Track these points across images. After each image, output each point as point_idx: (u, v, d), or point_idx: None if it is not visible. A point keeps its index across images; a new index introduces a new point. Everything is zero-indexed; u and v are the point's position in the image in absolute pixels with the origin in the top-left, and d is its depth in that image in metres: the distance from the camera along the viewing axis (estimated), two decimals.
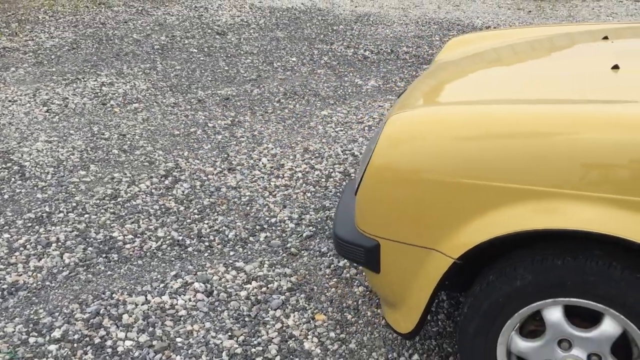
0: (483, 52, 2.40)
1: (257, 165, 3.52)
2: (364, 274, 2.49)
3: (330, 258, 2.64)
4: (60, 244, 2.72)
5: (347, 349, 2.12)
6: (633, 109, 1.49)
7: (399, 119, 1.73)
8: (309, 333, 2.19)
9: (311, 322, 2.25)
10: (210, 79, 5.17)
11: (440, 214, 1.63)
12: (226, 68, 5.47)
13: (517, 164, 1.52)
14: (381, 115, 4.30)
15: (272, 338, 2.17)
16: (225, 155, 3.63)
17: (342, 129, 4.09)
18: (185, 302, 2.34)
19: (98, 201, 3.09)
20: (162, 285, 2.44)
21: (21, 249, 2.66)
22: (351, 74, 5.35)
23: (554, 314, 1.60)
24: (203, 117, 4.26)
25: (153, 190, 3.21)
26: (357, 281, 2.49)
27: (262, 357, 2.08)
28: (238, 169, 3.47)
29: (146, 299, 2.35)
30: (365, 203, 1.77)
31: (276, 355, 2.09)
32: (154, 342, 2.12)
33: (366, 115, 4.32)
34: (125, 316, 2.26)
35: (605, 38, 2.28)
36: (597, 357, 1.60)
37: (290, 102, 4.62)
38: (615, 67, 1.87)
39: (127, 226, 2.87)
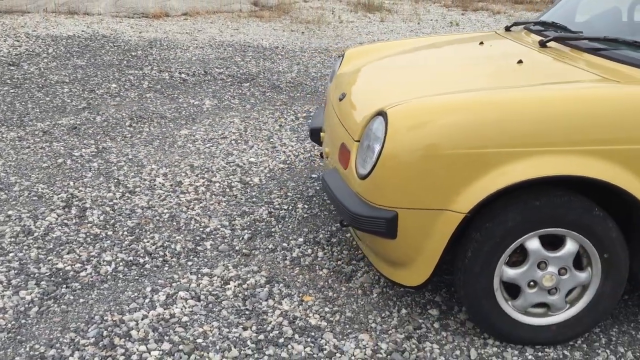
0: (409, 57, 2.93)
1: (155, 185, 3.61)
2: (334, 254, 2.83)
3: (282, 252, 2.94)
4: (6, 284, 2.59)
5: (346, 317, 2.47)
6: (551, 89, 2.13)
7: (399, 111, 2.16)
8: (308, 311, 2.49)
9: (303, 303, 2.55)
10: (38, 110, 4.95)
11: (449, 180, 2.09)
12: (47, 98, 5.26)
13: (500, 134, 2.06)
14: (239, 130, 4.61)
15: (281, 322, 2.42)
16: (116, 180, 3.65)
17: (211, 144, 4.32)
18: (182, 309, 2.46)
19: (13, 239, 2.95)
20: (147, 300, 2.51)
21: None
22: (181, 96, 5.54)
23: (534, 244, 2.17)
24: (62, 148, 4.15)
25: (65, 221, 3.15)
26: (317, 266, 2.84)
27: (283, 338, 2.33)
28: (138, 191, 3.53)
29: (143, 314, 2.41)
30: (382, 182, 2.16)
31: (294, 334, 2.35)
32: (180, 347, 2.24)
33: (225, 131, 4.59)
34: (133, 332, 2.31)
35: (481, 43, 2.97)
36: (564, 270, 2.20)
37: (141, 125, 4.68)
38: (520, 61, 2.53)
39: (66, 257, 2.82)
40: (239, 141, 4.41)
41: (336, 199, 2.32)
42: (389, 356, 2.24)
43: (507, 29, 3.32)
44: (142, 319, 2.38)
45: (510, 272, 2.20)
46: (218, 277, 2.69)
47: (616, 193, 2.09)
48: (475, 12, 11.49)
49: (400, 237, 2.18)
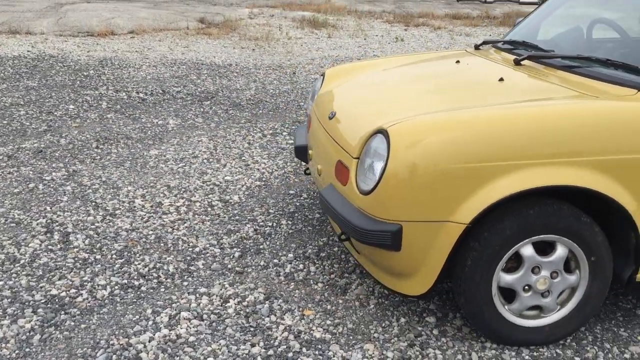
0: (392, 75, 3.05)
1: (135, 207, 3.61)
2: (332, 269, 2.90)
3: (275, 268, 3.00)
4: (1, 313, 2.56)
5: (348, 329, 2.55)
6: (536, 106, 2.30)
7: (400, 129, 2.28)
8: (311, 325, 2.56)
9: (304, 317, 2.62)
10: None
11: (450, 194, 2.22)
12: (5, 122, 5.15)
13: (497, 148, 2.20)
14: (209, 149, 4.63)
15: (286, 337, 2.48)
16: (94, 204, 3.62)
17: (184, 164, 4.34)
18: (187, 330, 2.49)
19: (0, 267, 2.90)
20: (150, 322, 2.53)
21: None
22: (143, 115, 5.51)
23: (528, 250, 2.32)
24: (31, 172, 4.08)
25: (50, 247, 3.11)
26: (311, 280, 2.91)
27: (292, 352, 2.39)
28: (118, 213, 3.52)
29: (149, 336, 2.43)
30: (386, 197, 2.26)
31: (301, 348, 2.42)
32: None
33: (195, 150, 4.62)
34: (143, 355, 2.32)
35: (458, 62, 3.14)
36: (556, 274, 2.36)
37: (109, 147, 4.65)
38: (501, 79, 2.70)
39: (58, 283, 2.80)
40: (211, 160, 4.44)
41: (339, 215, 2.40)
42: None
43: (477, 47, 3.50)
44: (149, 341, 2.40)
45: (507, 278, 2.33)
46: (216, 295, 2.73)
47: (599, 200, 2.26)
48: (417, 28, 11.84)
49: (405, 248, 2.28)
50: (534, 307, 2.41)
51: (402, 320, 2.61)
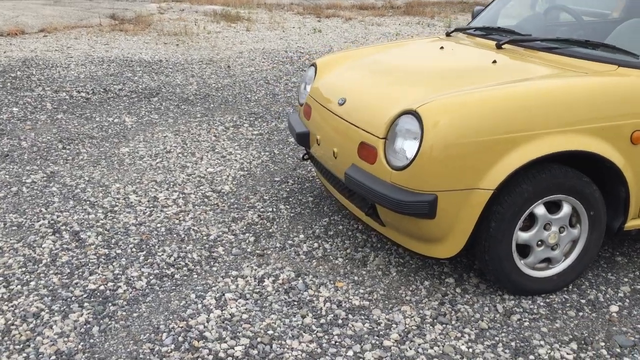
0: (389, 61, 3.30)
1: (132, 203, 3.66)
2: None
3: (292, 249, 3.19)
4: (48, 311, 2.60)
5: (381, 295, 2.80)
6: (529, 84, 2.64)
7: (430, 109, 2.54)
8: (347, 295, 2.79)
9: (339, 289, 2.84)
10: None
11: (478, 164, 2.51)
12: None
13: (514, 121, 2.52)
14: (179, 144, 4.70)
15: (330, 307, 2.69)
16: (89, 202, 3.64)
17: (161, 159, 4.40)
18: (237, 309, 2.64)
19: (24, 269, 2.91)
20: (199, 305, 2.66)
21: (15, 333, 2.47)
22: (95, 115, 5.46)
23: (540, 210, 2.66)
24: (7, 176, 4.01)
25: (65, 246, 3.14)
26: (330, 256, 3.13)
27: (340, 319, 2.61)
28: (117, 210, 3.57)
29: (205, 317, 2.56)
30: (423, 171, 2.52)
31: (347, 314, 2.64)
32: (258, 339, 2.44)
33: (166, 146, 4.67)
34: (207, 334, 2.46)
35: (442, 48, 3.45)
36: (563, 228, 2.72)
37: (75, 147, 4.61)
38: (494, 61, 3.03)
39: (91, 278, 2.85)
40: (185, 154, 4.51)
41: (373, 190, 2.63)
42: (435, 320, 2.61)
43: (448, 34, 3.83)
44: (208, 322, 2.53)
45: (524, 235, 2.67)
46: (250, 277, 2.89)
47: (594, 161, 2.63)
48: (329, 19, 12.17)
49: (439, 216, 2.55)
50: (543, 260, 2.76)
51: (426, 283, 2.88)
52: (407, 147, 2.57)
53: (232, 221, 3.45)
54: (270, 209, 3.62)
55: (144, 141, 4.75)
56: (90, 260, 2.98)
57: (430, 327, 2.56)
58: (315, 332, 2.50)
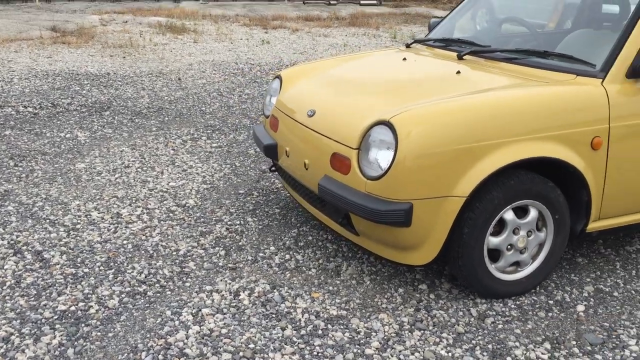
0: (355, 73, 3.34)
1: (94, 220, 3.58)
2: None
3: (264, 261, 3.19)
4: (18, 335, 2.51)
5: (357, 304, 2.83)
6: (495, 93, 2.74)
7: (403, 120, 2.59)
8: (324, 305, 2.80)
9: (315, 300, 2.85)
10: None
11: (451, 172, 2.58)
12: None
13: (485, 130, 2.60)
14: (137, 158, 4.63)
15: (308, 318, 2.70)
16: (49, 220, 3.55)
17: (120, 174, 4.32)
18: (215, 324, 2.62)
19: None
20: (176, 322, 2.62)
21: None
22: (45, 130, 5.32)
23: (510, 215, 2.75)
24: None
25: (29, 267, 3.04)
26: (303, 267, 3.14)
27: (320, 330, 2.62)
28: (80, 227, 3.48)
29: (183, 334, 2.53)
30: (398, 180, 2.56)
31: (327, 325, 2.65)
32: (240, 354, 2.42)
33: (124, 160, 4.59)
34: (188, 351, 2.43)
35: (404, 59, 3.52)
36: (530, 232, 2.82)
37: (28, 164, 4.48)
38: (458, 72, 3.12)
39: (60, 299, 2.77)
40: (145, 169, 4.44)
41: (349, 201, 2.66)
42: (412, 326, 2.66)
43: (408, 45, 3.91)
44: (187, 338, 2.50)
45: (495, 240, 2.75)
46: (225, 291, 2.87)
47: (556, 166, 2.73)
48: (276, 30, 12.21)
49: (415, 224, 2.60)
50: (513, 264, 2.84)
51: (401, 290, 2.93)
52: (381, 157, 2.61)
53: (201, 235, 3.42)
54: (238, 222, 3.60)
55: (100, 156, 4.65)
56: (57, 281, 2.90)
57: (409, 333, 2.60)
58: (296, 343, 2.50)
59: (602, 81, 2.83)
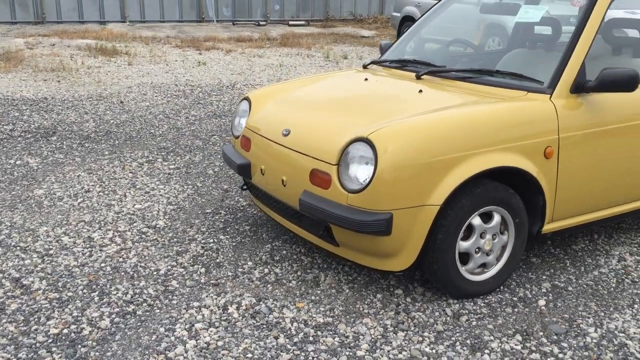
0: (323, 93, 3.53)
1: (67, 245, 3.60)
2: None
3: (245, 276, 3.31)
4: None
5: (341, 311, 3.00)
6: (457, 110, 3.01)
7: (380, 136, 2.81)
8: (311, 313, 2.96)
9: (301, 309, 3.01)
10: None
11: (426, 183, 2.81)
12: None
13: (454, 143, 2.85)
14: (96, 182, 4.64)
15: (298, 326, 2.85)
16: (19, 247, 3.54)
17: (82, 199, 4.33)
18: (210, 337, 2.73)
19: None
20: (172, 338, 2.71)
21: None
22: None
23: (477, 220, 3.00)
24: None
25: (10, 294, 3.05)
26: (283, 280, 3.29)
27: (311, 337, 2.77)
28: (53, 253, 3.50)
29: (181, 349, 2.63)
30: (379, 192, 2.76)
31: (316, 332, 2.81)
32: None
33: (83, 185, 4.59)
34: None
35: (366, 79, 3.76)
36: (495, 236, 3.09)
37: None
38: (420, 91, 3.38)
39: (50, 322, 2.80)
40: (106, 192, 4.47)
41: (332, 214, 2.84)
42: (396, 328, 2.85)
43: (365, 66, 4.15)
44: (186, 352, 2.59)
45: (465, 244, 2.99)
46: (213, 306, 2.97)
47: (516, 174, 3.01)
48: (210, 51, 12.28)
49: (394, 232, 2.81)
50: (480, 265, 3.10)
51: (379, 295, 3.12)
52: (361, 171, 2.80)
53: (177, 254, 3.50)
54: (212, 240, 3.70)
55: (57, 182, 4.63)
56: (43, 306, 2.92)
57: (394, 334, 2.79)
58: (291, 350, 2.64)
59: (550, 97, 3.14)
